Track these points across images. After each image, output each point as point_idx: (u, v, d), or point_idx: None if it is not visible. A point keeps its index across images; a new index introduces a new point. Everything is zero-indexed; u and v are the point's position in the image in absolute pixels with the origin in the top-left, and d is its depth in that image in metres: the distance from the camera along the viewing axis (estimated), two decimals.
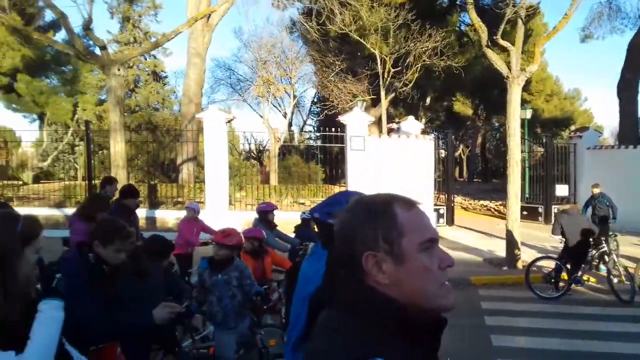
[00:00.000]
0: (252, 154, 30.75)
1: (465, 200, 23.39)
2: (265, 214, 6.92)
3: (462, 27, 25.79)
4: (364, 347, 1.02)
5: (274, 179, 22.56)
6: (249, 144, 28.98)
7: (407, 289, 1.07)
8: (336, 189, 17.12)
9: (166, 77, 29.96)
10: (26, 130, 31.46)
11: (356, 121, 14.09)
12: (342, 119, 14.30)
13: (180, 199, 15.64)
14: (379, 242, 1.08)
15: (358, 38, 20.14)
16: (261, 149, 31.53)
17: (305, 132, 35.81)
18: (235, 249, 4.28)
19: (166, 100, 29.04)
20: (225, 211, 13.64)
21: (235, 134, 24.58)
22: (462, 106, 33.28)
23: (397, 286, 1.07)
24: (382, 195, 1.17)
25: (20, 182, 19.28)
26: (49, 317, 1.86)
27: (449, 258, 1.13)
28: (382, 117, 20.92)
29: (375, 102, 23.34)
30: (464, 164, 45.71)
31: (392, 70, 20.50)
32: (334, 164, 18.25)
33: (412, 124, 15.62)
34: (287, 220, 12.99)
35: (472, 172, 42.12)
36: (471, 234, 14.85)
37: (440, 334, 1.13)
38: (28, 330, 1.83)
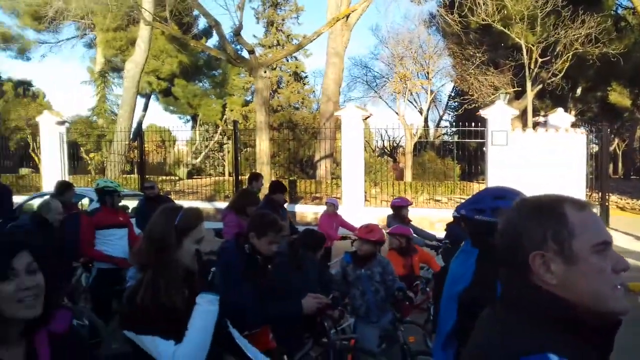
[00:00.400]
0: (385, 150, 30.72)
1: (621, 199, 21.15)
2: (399, 209, 6.87)
3: (619, 11, 23.41)
4: (533, 344, 1.02)
5: (408, 176, 22.34)
6: (383, 140, 29.02)
7: (577, 289, 1.06)
8: (475, 186, 16.46)
9: (306, 77, 31.06)
10: (180, 130, 34.52)
11: (498, 115, 13.40)
12: (483, 112, 13.69)
13: (317, 195, 16.12)
14: (548, 241, 1.08)
15: (502, 28, 19.17)
16: (395, 145, 31.38)
17: (441, 127, 34.92)
18: (377, 244, 4.30)
19: (306, 100, 30.12)
20: (361, 207, 13.80)
21: (370, 131, 24.73)
22: (619, 96, 29.98)
23: (565, 286, 1.06)
24: (551, 195, 1.16)
25: (176, 178, 21.28)
26: (205, 310, 1.91)
27: (623, 261, 1.09)
28: (527, 109, 19.68)
29: (519, 95, 22.01)
30: (620, 159, 41.40)
31: (540, 60, 19.20)
32: (472, 159, 17.55)
33: (561, 117, 14.44)
34: (422, 216, 12.83)
35: (629, 169, 37.99)
36: (628, 236, 13.39)
37: (614, 336, 1.09)
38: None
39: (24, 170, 21.08)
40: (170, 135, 25.22)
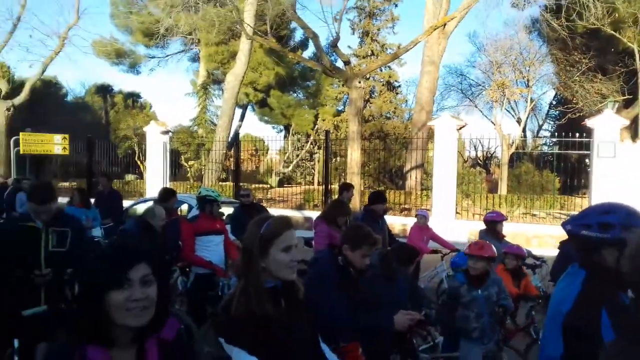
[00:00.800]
0: (478, 161, 29.69)
1: None
2: (493, 224, 6.54)
3: None
4: None
5: (502, 188, 21.40)
6: (476, 150, 28.06)
7: None
8: (577, 201, 15.44)
9: (399, 86, 30.85)
10: (272, 139, 35.53)
11: (606, 124, 12.47)
12: (589, 122, 12.81)
13: (406, 206, 15.89)
14: None
15: (612, 32, 17.92)
16: (488, 155, 30.25)
17: (540, 137, 33.16)
18: (490, 260, 4.11)
19: (398, 109, 29.90)
20: (452, 220, 13.39)
21: (461, 140, 24.03)
22: None
23: None
24: None
25: (268, 186, 21.88)
26: None
27: None
28: (637, 119, 18.21)
29: (628, 103, 20.41)
30: None
31: None
32: (573, 172, 16.49)
33: None
34: (517, 232, 12.19)
35: None
36: None
37: None
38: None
39: (129, 177, 22.66)
40: (263, 144, 26.00)
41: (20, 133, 15.99)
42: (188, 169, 23.20)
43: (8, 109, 17.11)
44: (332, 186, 16.82)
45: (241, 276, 2.02)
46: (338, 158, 21.64)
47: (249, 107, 32.58)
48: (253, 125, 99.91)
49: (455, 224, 13.08)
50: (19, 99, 17.58)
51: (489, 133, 24.53)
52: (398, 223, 14.55)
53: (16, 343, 3.24)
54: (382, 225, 6.20)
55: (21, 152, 15.66)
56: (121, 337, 1.47)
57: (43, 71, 18.73)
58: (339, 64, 15.52)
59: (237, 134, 17.86)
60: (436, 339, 4.65)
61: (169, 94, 60.75)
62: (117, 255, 1.51)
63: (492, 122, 28.41)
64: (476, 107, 30.42)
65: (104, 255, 1.54)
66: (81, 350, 1.41)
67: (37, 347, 3.67)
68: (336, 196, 15.53)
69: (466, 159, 29.40)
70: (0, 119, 17.19)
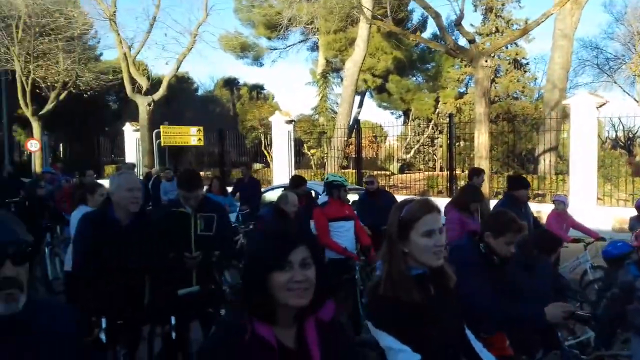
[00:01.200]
0: (619, 142, 27.12)
1: None
2: None
3: None
4: None
5: None
6: (616, 131, 25.57)
7: None
8: None
9: (527, 64, 28.98)
10: (391, 125, 35.20)
11: None
12: None
13: (540, 192, 14.94)
14: None
15: None
16: (631, 136, 27.52)
17: None
18: None
19: (526, 88, 28.12)
20: (592, 206, 12.34)
21: (600, 120, 21.99)
22: None
23: None
24: None
25: (389, 172, 21.77)
26: None
27: None
28: None
29: None
30: None
31: None
32: None
33: None
34: None
35: None
36: None
37: None
38: None
39: (257, 165, 23.81)
40: (382, 130, 25.91)
41: (161, 126, 17.46)
42: (311, 157, 23.82)
43: (149, 104, 18.72)
44: (456, 172, 16.30)
45: (385, 261, 2.01)
46: (462, 142, 20.89)
47: (367, 93, 32.53)
48: (371, 112, 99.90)
49: (597, 211, 12.05)
50: (157, 95, 19.14)
51: (631, 111, 22.17)
52: (532, 210, 13.72)
53: (173, 320, 3.53)
54: (525, 211, 5.84)
55: (162, 144, 17.09)
56: (283, 316, 1.54)
57: (178, 67, 20.22)
58: (461, 42, 14.91)
59: (358, 121, 17.96)
60: (583, 335, 4.32)
61: (289, 84, 62.77)
62: (279, 238, 1.57)
63: (635, 100, 25.75)
64: (615, 82, 27.83)
65: (267, 239, 1.62)
66: (251, 325, 1.49)
67: (190, 323, 4.00)
68: (461, 182, 15.11)
69: (605, 140, 26.97)
70: (142, 114, 18.87)
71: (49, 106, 20.62)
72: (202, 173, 20.45)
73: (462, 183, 14.80)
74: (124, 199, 3.34)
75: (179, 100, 29.44)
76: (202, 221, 3.95)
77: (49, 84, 20.32)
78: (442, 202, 14.36)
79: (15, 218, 1.47)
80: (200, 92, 39.01)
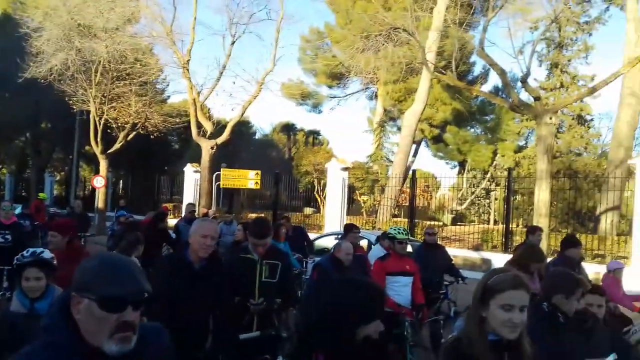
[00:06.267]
0: None
1: None
2: None
3: None
4: None
5: None
6: None
7: None
8: None
9: (591, 120, 28.27)
10: (445, 177, 34.80)
11: None
12: None
13: (600, 252, 14.35)
14: None
15: None
16: None
17: None
18: None
19: (589, 145, 27.36)
20: None
21: None
22: None
23: None
24: None
25: (440, 223, 21.42)
26: None
27: None
28: None
29: None
30: None
31: None
32: None
33: None
34: None
35: None
36: None
37: None
38: None
39: (308, 210, 24.00)
40: (434, 180, 25.67)
41: (221, 169, 18.02)
42: (362, 204, 23.82)
43: (212, 148, 19.41)
44: (512, 226, 15.90)
45: (466, 320, 2.11)
46: (519, 196, 20.42)
47: (423, 142, 32.54)
48: (425, 161, 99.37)
49: None
50: (221, 139, 19.85)
51: None
52: (590, 271, 13.10)
53: None
54: (579, 272, 5.69)
55: (221, 186, 17.60)
56: None
57: (242, 113, 20.97)
58: (523, 95, 14.86)
59: (414, 171, 17.93)
60: None
61: (345, 130, 63.64)
62: (371, 292, 1.64)
63: None
64: None
65: (357, 292, 1.68)
66: None
67: None
68: (517, 238, 14.69)
69: None
70: (205, 156, 19.54)
71: (117, 145, 21.65)
72: (253, 215, 20.85)
73: (517, 239, 14.39)
74: (197, 244, 3.53)
75: (237, 142, 30.36)
76: (267, 268, 4.09)
77: (119, 124, 21.41)
78: (496, 257, 14.11)
79: (137, 265, 1.63)
80: (257, 136, 40.13)
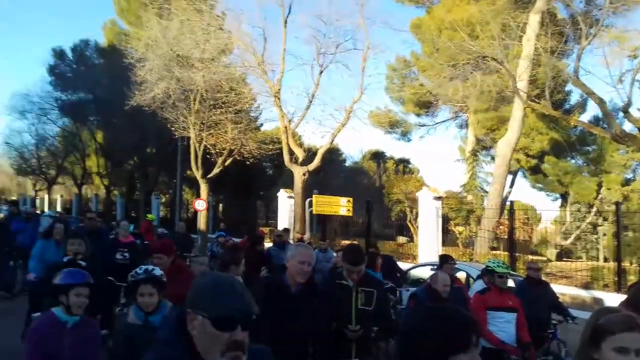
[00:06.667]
0: None
1: None
2: None
3: None
4: None
5: None
6: None
7: None
8: None
9: None
10: (546, 209, 32.85)
11: None
12: None
13: None
14: None
15: None
16: None
17: None
18: None
19: None
20: None
21: None
22: None
23: None
24: None
25: (544, 258, 20.17)
26: None
27: None
28: None
29: None
30: None
31: None
32: None
33: None
34: None
35: None
36: None
37: None
38: None
39: (400, 239, 23.61)
40: (534, 212, 24.33)
41: (314, 195, 18.30)
42: (457, 235, 23.09)
43: (304, 174, 19.80)
44: (625, 264, 14.65)
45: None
46: (630, 232, 18.85)
47: (520, 172, 31.13)
48: (523, 192, 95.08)
49: None
50: (312, 166, 20.22)
51: None
52: None
53: None
54: None
55: (313, 213, 17.84)
56: None
57: (332, 141, 21.28)
58: (626, 126, 13.83)
59: (511, 202, 17.15)
60: None
61: (436, 159, 62.58)
62: (462, 320, 1.56)
63: None
64: None
65: (451, 320, 1.60)
66: None
67: None
68: (630, 277, 13.46)
69: None
70: (297, 183, 19.96)
71: (216, 170, 22.72)
72: (347, 242, 20.86)
73: (632, 278, 13.25)
74: (295, 269, 3.58)
75: (328, 169, 30.75)
76: (362, 295, 4.05)
77: (217, 150, 22.48)
78: (608, 296, 13.06)
79: (244, 286, 1.66)
80: (347, 163, 40.44)
